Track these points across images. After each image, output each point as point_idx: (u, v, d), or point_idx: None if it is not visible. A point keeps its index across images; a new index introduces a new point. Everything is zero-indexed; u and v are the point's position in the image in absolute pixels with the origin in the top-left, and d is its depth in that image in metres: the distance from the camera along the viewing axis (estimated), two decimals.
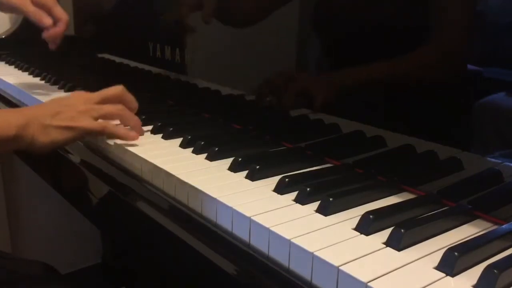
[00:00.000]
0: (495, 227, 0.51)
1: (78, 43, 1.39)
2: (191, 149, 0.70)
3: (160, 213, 0.60)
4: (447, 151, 0.58)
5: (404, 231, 0.46)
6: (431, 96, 0.60)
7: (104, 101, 0.76)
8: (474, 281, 0.41)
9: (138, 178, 0.68)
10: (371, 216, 0.49)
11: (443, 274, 0.42)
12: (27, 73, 1.28)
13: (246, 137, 0.79)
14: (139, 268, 1.35)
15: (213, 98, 0.90)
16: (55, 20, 0.86)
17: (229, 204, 0.53)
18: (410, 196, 0.57)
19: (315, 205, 0.53)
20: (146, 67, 1.09)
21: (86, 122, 0.71)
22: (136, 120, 0.77)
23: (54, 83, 1.16)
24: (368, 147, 0.66)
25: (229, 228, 0.53)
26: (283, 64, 0.77)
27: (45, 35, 0.92)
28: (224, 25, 0.87)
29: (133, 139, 0.72)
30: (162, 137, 0.76)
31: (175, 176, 0.60)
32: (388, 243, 0.46)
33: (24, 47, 1.48)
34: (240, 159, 0.63)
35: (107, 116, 0.75)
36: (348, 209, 0.53)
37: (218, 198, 0.54)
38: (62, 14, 0.93)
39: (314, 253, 0.44)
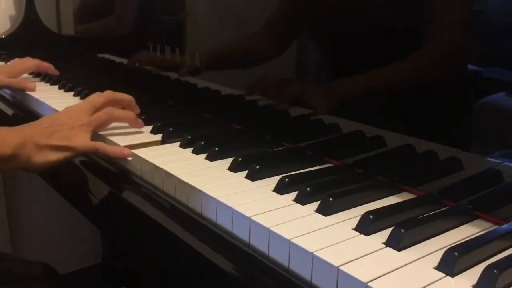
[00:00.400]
0: (495, 227, 0.51)
1: (78, 43, 1.39)
2: (191, 149, 0.70)
3: (160, 213, 0.60)
4: (447, 151, 0.58)
5: (404, 231, 0.46)
6: (431, 96, 0.60)
7: (96, 110, 0.76)
8: (474, 281, 0.41)
9: (138, 178, 0.68)
10: (371, 216, 0.49)
11: (443, 274, 0.42)
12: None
13: (246, 137, 0.79)
14: (139, 268, 1.35)
15: (213, 98, 0.90)
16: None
17: (229, 204, 0.53)
18: (410, 196, 0.57)
19: (315, 205, 0.53)
20: (146, 67, 1.09)
21: (81, 141, 0.71)
22: (129, 115, 0.78)
23: (54, 83, 1.16)
24: (368, 147, 0.66)
25: (229, 228, 0.53)
26: (283, 64, 0.77)
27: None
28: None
29: (127, 156, 0.70)
30: (162, 137, 0.76)
31: (175, 176, 0.60)
32: (388, 243, 0.46)
33: (24, 47, 1.48)
34: (240, 159, 0.63)
35: (100, 126, 0.76)
36: (348, 209, 0.53)
37: (218, 198, 0.54)
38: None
39: (314, 253, 0.44)
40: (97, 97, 0.78)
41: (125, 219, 0.68)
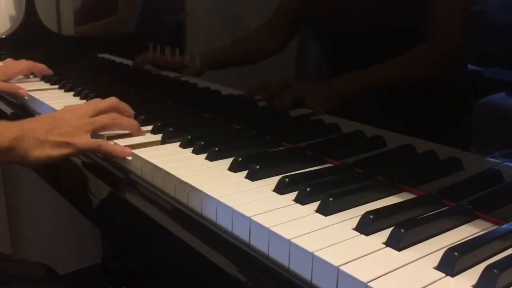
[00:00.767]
0: (495, 227, 0.51)
1: (78, 43, 1.39)
2: (191, 149, 0.70)
3: (160, 213, 0.60)
4: (447, 151, 0.58)
5: (404, 231, 0.46)
6: (431, 96, 0.60)
7: (99, 113, 0.76)
8: (474, 281, 0.41)
9: (138, 178, 0.68)
10: (371, 216, 0.49)
11: (443, 274, 0.42)
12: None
13: (246, 137, 0.79)
14: (139, 268, 1.35)
15: (213, 98, 0.90)
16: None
17: (229, 204, 0.53)
18: (410, 196, 0.57)
19: (315, 205, 0.53)
20: (147, 67, 1.09)
21: (82, 139, 0.71)
22: (132, 123, 0.78)
23: (54, 83, 1.16)
24: (368, 147, 0.66)
25: (229, 228, 0.53)
26: (283, 64, 0.77)
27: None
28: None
29: (127, 155, 0.70)
30: (162, 137, 0.76)
31: (175, 176, 0.60)
32: (388, 243, 0.46)
33: (24, 47, 1.48)
34: (240, 159, 0.63)
35: (102, 128, 0.75)
36: (348, 209, 0.53)
37: (218, 198, 0.54)
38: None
39: (314, 253, 0.44)
40: (101, 101, 0.78)
41: (125, 219, 0.68)
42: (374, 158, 0.65)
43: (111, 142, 0.74)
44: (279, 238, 0.47)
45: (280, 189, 0.57)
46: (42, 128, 0.70)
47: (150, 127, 0.80)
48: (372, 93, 0.66)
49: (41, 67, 1.20)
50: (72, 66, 1.37)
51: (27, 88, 1.08)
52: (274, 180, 0.59)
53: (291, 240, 0.46)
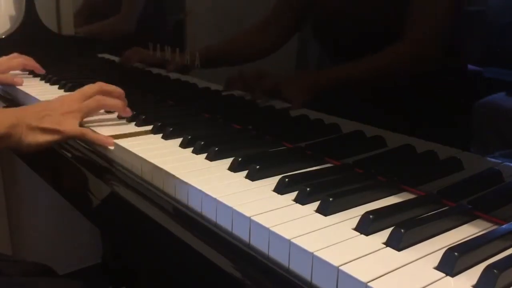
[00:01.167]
0: (495, 227, 0.51)
1: (78, 43, 1.39)
2: (191, 149, 0.70)
3: (160, 213, 0.60)
4: (447, 151, 0.58)
5: (404, 231, 0.46)
6: (431, 96, 0.60)
7: (86, 99, 0.80)
8: (474, 281, 0.41)
9: (138, 178, 0.68)
10: (371, 216, 0.49)
11: (443, 274, 0.42)
12: (27, 73, 1.28)
13: (246, 137, 0.79)
14: (139, 268, 1.35)
15: (213, 98, 0.90)
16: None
17: (229, 204, 0.53)
18: (410, 196, 0.57)
19: (315, 205, 0.53)
20: (146, 67, 1.09)
21: (70, 127, 0.76)
22: (117, 103, 0.82)
23: (54, 83, 1.16)
24: (368, 147, 0.66)
25: (229, 228, 0.52)
26: (283, 64, 0.77)
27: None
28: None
29: (109, 145, 0.74)
30: (162, 137, 0.76)
31: (175, 176, 0.60)
32: (388, 243, 0.46)
33: (24, 47, 1.48)
34: (240, 159, 0.63)
35: (90, 112, 0.80)
36: (348, 209, 0.53)
37: (218, 198, 0.54)
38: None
39: (314, 253, 0.44)
40: (88, 87, 0.83)
41: (125, 219, 0.68)
42: (374, 158, 0.65)
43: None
44: (279, 238, 0.47)
45: (280, 189, 0.57)
46: (34, 116, 0.75)
47: (150, 127, 0.80)
48: (372, 93, 0.66)
49: (35, 65, 1.23)
50: (72, 66, 1.37)
51: (28, 89, 1.08)
52: (274, 180, 0.59)
53: (291, 240, 0.46)
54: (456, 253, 0.42)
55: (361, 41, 0.66)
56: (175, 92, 1.01)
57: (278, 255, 0.47)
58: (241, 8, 0.84)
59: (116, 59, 1.23)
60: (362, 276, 0.41)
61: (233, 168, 0.63)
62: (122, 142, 0.73)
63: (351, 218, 0.51)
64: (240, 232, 0.51)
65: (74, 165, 0.78)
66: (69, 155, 0.80)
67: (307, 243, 0.45)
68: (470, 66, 0.57)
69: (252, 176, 0.60)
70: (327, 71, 0.72)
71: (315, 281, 0.44)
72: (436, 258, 0.43)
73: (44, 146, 0.75)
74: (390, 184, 0.59)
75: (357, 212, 0.51)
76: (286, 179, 0.58)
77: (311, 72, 0.75)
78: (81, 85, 1.08)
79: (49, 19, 1.49)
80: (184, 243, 0.54)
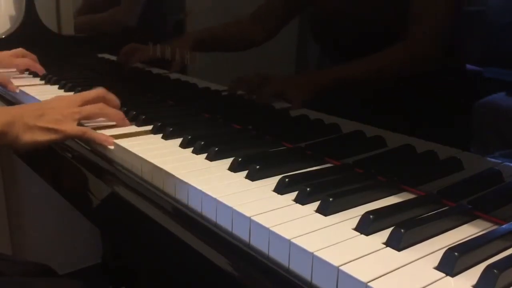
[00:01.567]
0: (495, 227, 0.51)
1: (78, 43, 1.39)
2: (191, 149, 0.70)
3: (160, 213, 0.60)
4: (447, 151, 0.58)
5: (404, 231, 0.46)
6: (431, 96, 0.60)
7: (86, 103, 0.80)
8: (474, 281, 0.41)
9: (138, 178, 0.68)
10: (371, 216, 0.49)
11: (443, 274, 0.42)
12: (27, 73, 1.28)
13: (246, 137, 0.79)
14: (139, 268, 1.35)
15: (213, 98, 0.90)
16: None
17: (229, 204, 0.53)
18: (410, 196, 0.57)
19: (315, 205, 0.53)
20: (146, 67, 1.09)
21: (69, 126, 0.76)
22: (117, 114, 0.81)
23: (54, 83, 1.16)
24: (368, 147, 0.66)
25: (229, 228, 0.52)
26: (283, 63, 0.77)
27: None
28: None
29: (109, 144, 0.74)
30: (162, 137, 0.76)
31: (175, 176, 0.60)
32: (388, 243, 0.46)
33: (24, 47, 1.48)
34: (240, 159, 0.63)
35: (89, 117, 0.80)
36: (348, 209, 0.53)
37: (218, 198, 0.54)
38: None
39: (314, 253, 0.44)
40: (89, 92, 0.83)
41: (125, 219, 0.68)
42: (374, 158, 0.65)
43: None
44: (279, 238, 0.47)
45: (280, 189, 0.57)
46: (31, 114, 0.75)
47: (150, 127, 0.80)
48: (372, 93, 0.66)
49: (39, 68, 1.22)
50: (72, 66, 1.37)
51: (27, 89, 1.08)
52: (274, 180, 0.59)
53: (291, 240, 0.46)
54: (456, 253, 0.42)
55: (362, 41, 0.66)
56: (175, 92, 1.01)
57: (278, 255, 0.47)
58: (241, 8, 0.84)
59: (116, 59, 1.23)
60: (362, 276, 0.41)
61: (233, 168, 0.63)
62: (122, 142, 0.73)
63: (351, 218, 0.51)
64: (240, 232, 0.51)
65: (74, 165, 0.78)
66: (69, 155, 0.80)
67: (307, 243, 0.45)
68: (470, 66, 0.57)
69: (252, 176, 0.60)
70: (327, 71, 0.72)
71: (315, 281, 0.44)
72: (436, 258, 0.43)
73: (42, 145, 0.75)
74: (390, 184, 0.59)
75: (357, 212, 0.51)
76: (286, 179, 0.58)
77: (311, 72, 0.75)
78: (81, 85, 1.09)
79: (49, 19, 1.49)
80: (184, 243, 0.54)
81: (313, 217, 0.51)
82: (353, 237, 0.48)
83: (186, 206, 0.59)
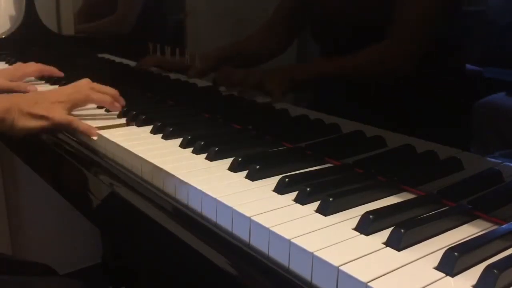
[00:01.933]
0: (495, 227, 0.51)
1: (78, 43, 1.39)
2: (191, 149, 0.70)
3: (160, 213, 0.60)
4: (447, 151, 0.58)
5: (404, 231, 0.46)
6: (431, 96, 0.60)
7: (77, 92, 0.85)
8: (474, 281, 0.41)
9: (138, 178, 0.68)
10: (371, 216, 0.49)
11: (443, 274, 0.42)
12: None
13: (246, 137, 0.79)
14: (139, 268, 1.35)
15: (213, 98, 0.90)
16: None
17: (229, 204, 0.53)
18: (410, 196, 0.57)
19: (315, 205, 0.53)
20: (146, 68, 1.09)
21: (57, 114, 0.81)
22: (104, 97, 0.86)
23: (54, 83, 1.16)
24: (368, 147, 0.66)
25: (229, 228, 0.52)
26: (283, 63, 0.77)
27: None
28: None
29: (92, 135, 0.78)
30: (162, 137, 0.76)
31: (175, 176, 0.60)
32: (388, 243, 0.46)
33: (24, 47, 1.48)
34: (240, 159, 0.63)
35: (78, 104, 0.85)
36: (348, 209, 0.53)
37: (218, 198, 0.54)
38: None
39: (314, 253, 0.44)
40: (80, 82, 0.88)
41: (125, 219, 0.68)
42: (374, 158, 0.65)
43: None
44: (279, 238, 0.47)
45: (280, 189, 0.57)
46: (26, 102, 0.81)
47: (150, 127, 0.80)
48: (372, 93, 0.66)
49: (51, 69, 1.22)
50: (72, 66, 1.37)
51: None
52: (274, 180, 0.59)
53: (291, 240, 0.46)
54: (456, 253, 0.42)
55: (362, 41, 0.66)
56: (175, 92, 1.01)
57: (278, 255, 0.47)
58: (241, 8, 0.84)
59: (116, 59, 1.23)
60: (362, 276, 0.41)
61: (233, 168, 0.63)
62: (122, 142, 0.73)
63: (351, 218, 0.51)
64: (240, 232, 0.51)
65: (74, 165, 0.78)
66: (69, 155, 0.80)
67: (307, 243, 0.45)
68: (470, 66, 0.57)
69: (252, 176, 0.60)
70: (327, 72, 0.72)
71: (315, 281, 0.44)
72: (436, 258, 0.43)
73: (34, 132, 0.81)
74: (390, 184, 0.59)
75: (357, 212, 0.51)
76: (286, 179, 0.58)
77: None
78: None
79: (49, 19, 1.49)
80: (184, 243, 0.54)
81: (313, 217, 0.51)
82: (353, 237, 0.48)
83: (186, 206, 0.59)
